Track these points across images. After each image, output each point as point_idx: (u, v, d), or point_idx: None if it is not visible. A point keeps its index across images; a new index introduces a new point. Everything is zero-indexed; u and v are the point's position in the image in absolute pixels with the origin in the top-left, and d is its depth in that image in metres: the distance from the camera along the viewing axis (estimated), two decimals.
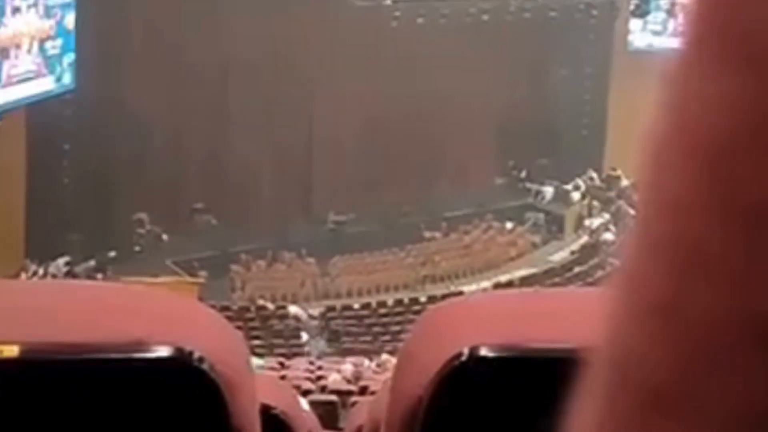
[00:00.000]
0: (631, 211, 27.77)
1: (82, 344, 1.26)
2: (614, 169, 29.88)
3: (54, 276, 22.66)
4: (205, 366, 1.29)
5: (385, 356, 16.99)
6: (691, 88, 0.39)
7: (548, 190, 29.30)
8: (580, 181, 29.73)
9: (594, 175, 29.97)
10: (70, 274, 22.75)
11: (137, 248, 24.68)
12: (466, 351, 1.35)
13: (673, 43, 0.41)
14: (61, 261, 23.27)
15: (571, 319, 1.44)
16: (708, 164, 0.38)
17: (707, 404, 0.37)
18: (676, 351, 0.38)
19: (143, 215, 24.99)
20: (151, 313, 1.38)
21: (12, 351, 1.23)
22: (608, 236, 26.82)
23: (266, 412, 1.86)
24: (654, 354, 0.38)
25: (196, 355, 1.29)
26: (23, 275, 21.83)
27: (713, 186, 0.38)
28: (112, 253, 23.99)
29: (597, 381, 0.41)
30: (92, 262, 23.79)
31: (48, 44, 22.39)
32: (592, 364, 0.42)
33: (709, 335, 0.37)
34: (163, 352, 1.28)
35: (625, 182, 29.17)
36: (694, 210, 0.38)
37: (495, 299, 1.84)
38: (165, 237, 25.06)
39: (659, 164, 0.41)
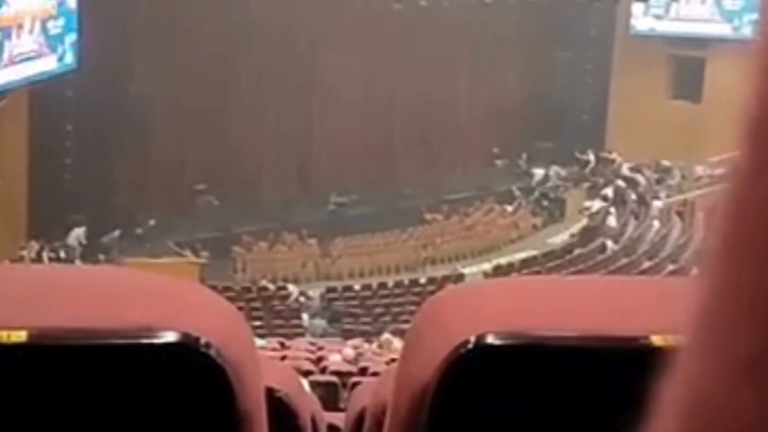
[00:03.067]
0: (627, 192, 27.80)
1: (89, 330, 1.26)
2: (610, 152, 29.89)
3: (69, 247, 22.89)
4: (211, 351, 1.29)
5: (386, 335, 17.01)
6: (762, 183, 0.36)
7: (550, 173, 29.29)
8: (581, 164, 29.74)
9: (594, 157, 29.96)
10: (89, 246, 22.95)
11: (139, 229, 24.69)
12: (473, 339, 1.35)
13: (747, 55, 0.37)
14: (80, 231, 23.39)
15: (579, 306, 1.44)
16: None
17: None
18: (764, 415, 0.35)
19: (146, 196, 25.00)
20: (157, 299, 1.38)
21: (20, 336, 1.23)
22: (608, 219, 26.83)
23: (270, 395, 1.86)
24: (744, 413, 0.35)
25: (203, 340, 1.29)
26: (26, 255, 21.88)
27: None
28: (115, 234, 24.01)
29: (665, 421, 0.39)
30: (117, 233, 23.96)
31: (50, 24, 22.37)
32: (660, 405, 0.39)
33: None
34: (169, 337, 1.28)
35: (620, 165, 29.21)
36: None
37: (502, 286, 1.84)
38: (167, 217, 25.05)
39: (746, 204, 0.37)
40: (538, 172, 29.22)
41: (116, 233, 23.93)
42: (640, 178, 28.66)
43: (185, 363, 1.29)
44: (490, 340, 1.35)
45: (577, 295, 1.51)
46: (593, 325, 1.34)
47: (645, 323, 1.23)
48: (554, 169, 29.25)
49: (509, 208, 28.28)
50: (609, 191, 28.23)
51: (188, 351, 1.28)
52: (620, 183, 28.58)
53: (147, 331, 1.27)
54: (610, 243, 25.40)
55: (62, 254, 22.72)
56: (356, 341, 17.75)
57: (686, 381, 0.38)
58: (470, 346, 1.35)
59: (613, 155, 29.78)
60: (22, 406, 1.28)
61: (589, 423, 1.32)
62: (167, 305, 1.37)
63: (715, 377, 0.37)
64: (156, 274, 1.51)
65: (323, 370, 12.74)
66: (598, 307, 1.42)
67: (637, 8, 30.10)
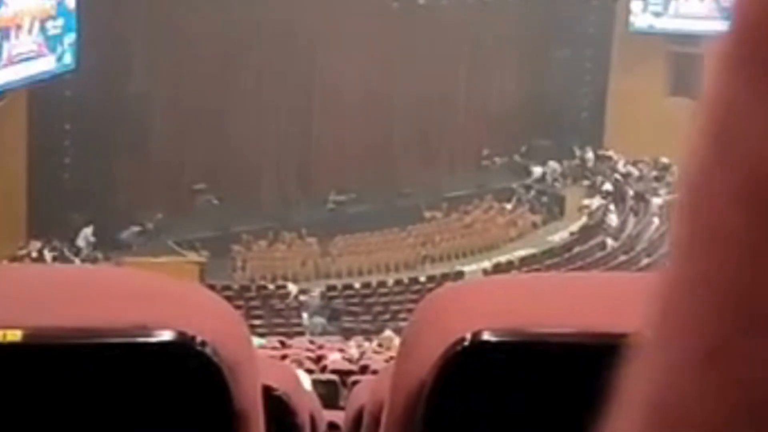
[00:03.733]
0: (626, 189, 27.82)
1: (85, 328, 1.26)
2: (608, 150, 29.91)
3: (78, 248, 22.98)
4: (207, 350, 1.29)
5: (387, 332, 17.02)
6: (739, 115, 0.36)
7: (548, 171, 29.29)
8: (580, 161, 29.75)
9: (592, 155, 29.97)
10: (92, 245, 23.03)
11: (138, 228, 24.68)
12: (469, 336, 1.35)
13: (711, 51, 0.38)
14: (88, 231, 23.45)
15: (576, 303, 1.44)
16: (761, 206, 0.35)
17: None
18: (727, 403, 0.35)
19: (145, 195, 24.99)
20: (153, 298, 1.38)
21: (15, 335, 1.23)
22: (608, 217, 26.86)
23: (268, 393, 1.86)
24: (702, 404, 0.35)
25: (199, 339, 1.29)
26: (26, 255, 21.89)
27: (765, 230, 0.35)
28: (134, 230, 24.08)
29: (628, 420, 0.39)
30: (135, 228, 24.04)
31: (49, 24, 22.36)
32: (620, 397, 0.39)
33: (762, 389, 0.35)
34: (165, 336, 1.28)
35: (619, 162, 29.23)
36: (745, 255, 0.35)
37: (499, 283, 1.84)
38: (166, 217, 25.06)
39: (706, 198, 0.37)
40: (536, 170, 29.22)
41: (135, 229, 24.08)
42: (638, 175, 28.67)
43: (181, 362, 1.29)
44: (487, 337, 1.34)
45: (574, 291, 1.51)
46: (591, 322, 1.34)
47: (643, 320, 1.22)
48: (552, 167, 29.25)
49: (508, 206, 28.29)
50: (608, 188, 28.25)
51: (184, 350, 1.28)
52: (619, 180, 28.60)
53: (142, 330, 1.27)
54: (609, 240, 25.42)
55: (66, 253, 22.74)
56: (356, 339, 17.77)
57: (649, 373, 0.38)
58: (467, 343, 1.35)
59: (612, 152, 29.79)
60: (17, 405, 1.27)
61: (586, 421, 1.32)
62: (163, 304, 1.37)
63: (678, 368, 0.37)
64: (151, 273, 1.51)
65: (323, 369, 12.75)
66: (596, 304, 1.42)
67: (635, 5, 30.11)
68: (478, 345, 1.35)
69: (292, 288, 22.92)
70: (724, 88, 0.37)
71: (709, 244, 0.37)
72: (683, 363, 0.37)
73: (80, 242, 23.44)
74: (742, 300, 0.35)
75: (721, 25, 0.37)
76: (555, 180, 29.18)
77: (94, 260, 22.43)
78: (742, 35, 0.37)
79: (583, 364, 1.31)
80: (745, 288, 0.35)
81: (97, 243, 23.47)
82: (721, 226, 0.36)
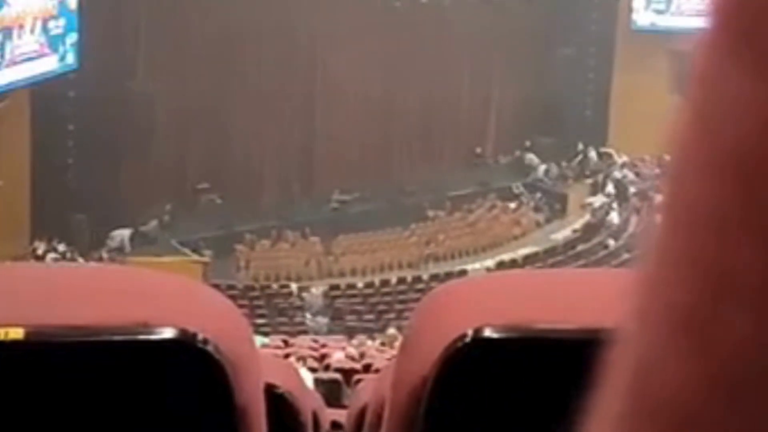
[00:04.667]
0: (629, 187, 27.81)
1: (86, 326, 1.26)
2: (611, 148, 29.88)
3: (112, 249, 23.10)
4: (209, 347, 1.29)
5: (391, 330, 17.04)
6: (718, 91, 0.37)
7: (552, 169, 29.28)
8: (583, 159, 29.74)
9: (595, 153, 29.96)
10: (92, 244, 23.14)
11: (142, 228, 24.69)
12: (470, 332, 1.35)
13: (694, 31, 0.38)
14: (126, 232, 23.57)
15: (576, 299, 1.44)
16: (742, 179, 0.35)
17: (739, 430, 0.35)
18: (707, 375, 0.36)
19: (148, 195, 25.00)
20: (155, 295, 1.38)
21: (17, 333, 1.23)
22: (610, 215, 26.85)
23: (270, 391, 1.86)
24: (683, 376, 0.36)
25: (201, 336, 1.29)
26: (29, 255, 21.90)
27: (747, 204, 0.35)
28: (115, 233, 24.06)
29: (612, 395, 0.39)
30: (154, 222, 24.09)
31: (51, 24, 22.37)
32: (605, 374, 0.40)
33: (741, 361, 0.35)
34: (167, 333, 1.28)
35: (622, 160, 29.21)
36: (726, 228, 0.36)
37: (499, 280, 1.84)
38: (170, 217, 25.06)
39: (687, 173, 0.38)
40: (540, 168, 29.21)
41: (154, 222, 24.27)
42: (642, 173, 28.66)
43: (183, 359, 1.29)
44: (488, 333, 1.35)
45: (574, 288, 1.51)
46: (591, 318, 1.34)
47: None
48: (554, 165, 29.25)
49: (512, 205, 28.27)
50: (611, 187, 28.23)
51: (186, 347, 1.28)
52: (622, 178, 28.58)
53: (144, 327, 1.27)
54: (612, 239, 25.41)
55: (66, 253, 22.76)
56: (359, 338, 17.78)
57: (630, 349, 0.39)
58: (468, 339, 1.35)
59: (615, 150, 29.77)
60: (19, 403, 1.28)
61: (586, 416, 1.32)
62: (165, 302, 1.37)
63: (657, 340, 0.37)
64: (153, 271, 1.51)
65: (326, 368, 12.76)
66: (596, 300, 1.42)
67: (637, 3, 30.08)
68: (479, 341, 1.35)
69: (296, 287, 22.93)
70: (707, 65, 0.37)
71: (691, 218, 0.37)
72: (662, 335, 0.37)
73: (114, 244, 23.57)
74: (721, 272, 0.36)
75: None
76: (556, 177, 29.18)
77: (99, 259, 22.44)
78: (723, 13, 0.37)
79: (584, 360, 1.32)
80: (724, 260, 0.36)
81: (95, 241, 23.51)
82: (703, 200, 0.36)
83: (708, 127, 0.37)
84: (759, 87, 0.35)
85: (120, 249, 23.60)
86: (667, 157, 0.39)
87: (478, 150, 29.76)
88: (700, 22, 0.37)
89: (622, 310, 0.40)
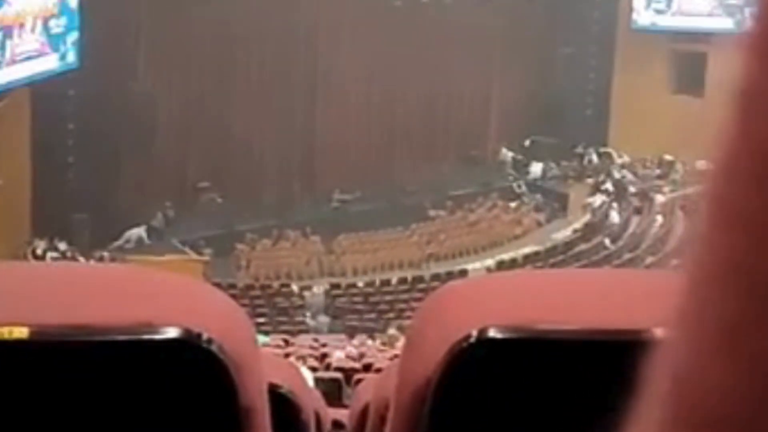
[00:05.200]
0: (630, 187, 27.80)
1: (91, 326, 1.26)
2: (612, 147, 29.88)
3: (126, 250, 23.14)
4: (213, 347, 1.29)
5: (392, 331, 17.04)
6: (759, 99, 0.36)
7: (550, 168, 29.28)
8: (583, 159, 29.74)
9: (596, 152, 29.95)
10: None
11: (143, 227, 24.69)
12: (474, 332, 1.35)
13: (737, 35, 0.38)
14: (140, 230, 23.89)
15: (580, 300, 1.44)
16: None
17: None
18: (745, 379, 0.35)
19: (149, 194, 25.01)
20: (158, 295, 1.38)
21: (22, 332, 1.23)
22: (611, 215, 26.84)
23: (273, 390, 1.86)
24: (721, 380, 0.36)
25: (205, 336, 1.29)
26: (30, 254, 21.90)
27: None
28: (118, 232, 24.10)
29: (652, 401, 0.39)
30: (160, 216, 23.83)
31: (52, 23, 22.37)
32: (646, 380, 0.40)
33: None
34: (171, 333, 1.28)
35: (622, 160, 29.21)
36: (766, 234, 0.35)
37: (503, 280, 1.84)
38: (170, 216, 25.07)
39: (729, 181, 0.37)
40: (540, 168, 29.21)
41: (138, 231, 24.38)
42: (642, 173, 28.65)
43: (187, 359, 1.29)
44: (492, 333, 1.35)
45: (578, 288, 1.51)
46: (595, 318, 1.34)
47: (647, 316, 1.23)
48: (554, 164, 29.25)
49: (512, 204, 28.27)
50: (611, 186, 28.22)
51: (190, 347, 1.28)
52: (623, 178, 28.57)
53: (148, 327, 1.27)
54: (612, 239, 25.40)
55: (66, 252, 22.77)
56: (360, 338, 17.78)
57: (671, 359, 0.38)
58: (472, 339, 1.35)
59: (616, 150, 29.76)
60: (24, 402, 1.28)
61: (591, 416, 1.32)
62: (168, 301, 1.37)
63: (698, 350, 0.37)
64: (157, 271, 1.51)
65: (327, 367, 12.76)
66: (600, 300, 1.42)
67: (638, 3, 30.08)
68: (483, 341, 1.35)
69: (296, 286, 22.92)
70: (747, 73, 0.37)
71: (730, 227, 0.37)
72: (703, 345, 0.37)
73: (129, 245, 23.61)
74: (762, 278, 0.35)
75: (723, 22, 0.37)
76: (557, 178, 29.18)
77: (100, 259, 22.44)
78: (764, 22, 0.37)
79: (588, 360, 1.32)
80: (765, 266, 0.35)
81: (96, 241, 23.54)
82: (743, 208, 0.36)
83: (756, 134, 0.36)
84: None
85: (140, 243, 23.79)
86: (708, 164, 0.38)
87: (489, 150, 29.77)
88: (728, 25, 0.37)
89: (664, 314, 0.39)
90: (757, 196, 0.36)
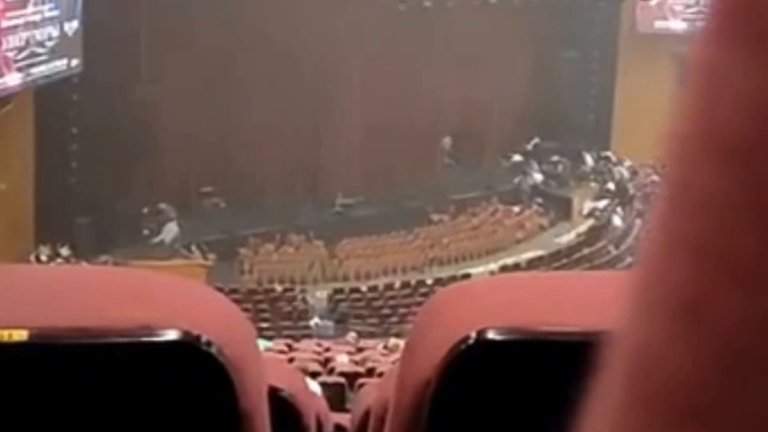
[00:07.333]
0: (633, 191, 27.80)
1: (90, 328, 1.26)
2: (615, 151, 29.88)
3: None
4: (213, 350, 1.29)
5: (393, 340, 17.02)
6: (719, 78, 0.37)
7: (554, 172, 29.27)
8: (586, 163, 29.74)
9: (599, 156, 29.95)
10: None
11: (146, 231, 24.70)
12: (473, 334, 1.35)
13: (697, 25, 0.40)
14: (172, 225, 24.09)
15: (580, 302, 1.44)
16: (741, 163, 0.36)
17: (739, 410, 0.35)
18: (706, 355, 0.36)
19: (152, 198, 25.02)
20: (158, 297, 1.39)
21: (21, 335, 1.24)
22: (614, 219, 26.84)
23: (274, 394, 1.86)
24: (682, 357, 0.36)
25: (204, 338, 1.29)
26: (33, 258, 21.92)
27: (746, 187, 0.36)
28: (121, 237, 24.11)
29: (612, 382, 0.39)
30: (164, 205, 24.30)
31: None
32: (606, 363, 0.40)
33: (741, 341, 0.35)
34: (170, 336, 1.28)
35: (626, 164, 29.20)
36: (726, 211, 0.36)
37: (503, 282, 1.84)
38: (172, 223, 25.06)
39: (686, 159, 0.38)
40: (543, 171, 29.20)
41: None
42: (645, 177, 28.64)
43: (186, 361, 1.29)
44: (492, 335, 1.35)
45: (578, 290, 1.51)
46: (595, 320, 1.34)
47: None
48: (557, 168, 29.25)
49: (515, 209, 28.26)
50: (615, 190, 28.21)
51: (189, 349, 1.28)
52: (626, 182, 28.56)
53: (148, 329, 1.27)
54: (616, 243, 25.39)
55: (67, 257, 22.78)
56: (363, 342, 17.76)
57: (631, 337, 0.39)
58: (471, 341, 1.35)
59: (619, 154, 29.76)
60: (23, 405, 1.28)
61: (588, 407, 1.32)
62: (168, 303, 1.37)
63: (658, 325, 0.37)
64: (157, 273, 1.51)
65: (330, 371, 12.76)
66: (601, 302, 1.42)
67: (641, 6, 30.09)
68: (482, 343, 1.35)
69: (299, 291, 22.92)
70: (705, 54, 0.38)
71: (688, 203, 0.37)
72: (661, 319, 0.37)
73: (170, 237, 23.94)
74: (720, 254, 0.36)
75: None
76: (562, 182, 29.17)
77: (104, 262, 22.44)
78: (721, 5, 0.38)
79: (588, 363, 1.31)
80: (724, 242, 0.36)
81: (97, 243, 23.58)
82: (701, 184, 0.37)
83: (709, 113, 0.37)
84: (760, 74, 0.36)
85: (175, 240, 24.03)
86: (667, 146, 0.39)
87: (492, 154, 29.77)
88: (702, 16, 0.39)
89: (623, 300, 0.40)
90: (716, 173, 0.36)
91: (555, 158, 29.44)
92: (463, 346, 1.35)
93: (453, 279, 22.26)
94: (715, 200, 0.36)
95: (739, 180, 0.36)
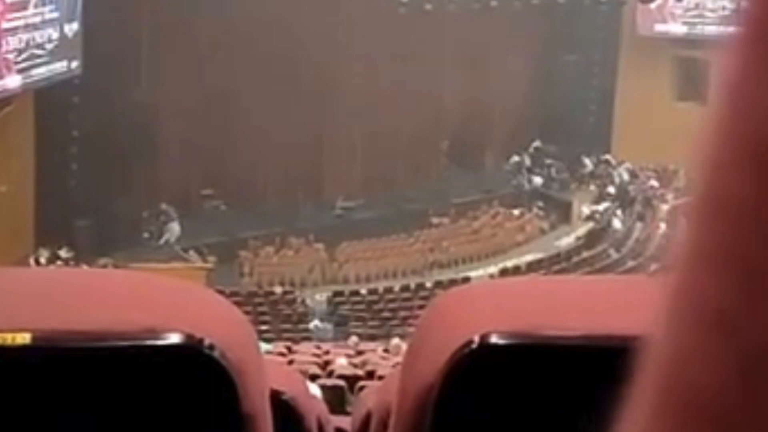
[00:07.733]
0: (633, 194, 27.80)
1: (93, 331, 1.26)
2: (616, 154, 29.87)
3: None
4: (215, 353, 1.29)
5: (395, 341, 17.01)
6: (751, 86, 0.37)
7: (554, 175, 29.28)
8: (587, 166, 29.74)
9: (600, 160, 29.96)
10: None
11: (146, 234, 24.71)
12: (476, 338, 1.35)
13: (726, 35, 0.39)
14: (174, 225, 24.36)
15: (582, 306, 1.44)
16: None
17: (764, 419, 0.35)
18: (734, 368, 0.36)
19: (152, 201, 25.03)
20: (161, 301, 1.38)
21: (24, 338, 1.23)
22: (614, 222, 26.84)
23: (275, 397, 1.86)
24: (706, 365, 0.36)
25: (207, 342, 1.29)
26: (33, 261, 21.91)
27: None
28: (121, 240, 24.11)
29: (643, 390, 0.39)
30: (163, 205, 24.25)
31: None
32: (636, 378, 0.40)
33: (766, 350, 0.35)
34: (173, 339, 1.28)
35: (626, 167, 29.21)
36: (755, 221, 0.36)
37: (506, 286, 1.84)
38: (174, 223, 25.08)
39: (716, 168, 0.38)
40: (543, 175, 29.21)
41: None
42: (645, 180, 28.65)
43: (189, 364, 1.29)
44: (494, 339, 1.34)
45: (581, 294, 1.51)
46: (598, 324, 1.34)
47: (650, 322, 1.23)
48: (558, 171, 29.25)
49: (516, 212, 28.27)
50: (615, 193, 28.22)
51: (192, 352, 1.28)
52: (626, 185, 28.57)
53: (150, 332, 1.27)
54: (616, 246, 25.40)
55: (71, 261, 22.77)
56: (363, 345, 17.75)
57: (661, 348, 0.39)
58: (474, 345, 1.35)
59: (619, 157, 29.76)
60: (26, 408, 1.28)
61: (593, 423, 1.32)
62: (170, 307, 1.37)
63: (688, 337, 0.37)
64: (160, 276, 1.51)
65: (330, 374, 12.75)
66: (603, 306, 1.42)
67: (642, 9, 30.09)
68: (485, 347, 1.35)
69: (299, 294, 22.92)
70: (733, 66, 0.38)
71: (721, 216, 0.37)
72: (694, 331, 0.37)
73: (171, 238, 23.89)
74: (753, 267, 0.36)
75: (729, 29, 0.38)
76: (560, 185, 29.18)
77: (103, 265, 22.43)
78: (750, 17, 0.37)
79: (591, 366, 1.31)
80: (754, 253, 0.36)
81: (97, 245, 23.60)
82: (735, 196, 0.37)
83: (741, 122, 0.37)
84: None
85: (179, 239, 24.18)
86: (696, 155, 0.39)
87: (492, 157, 29.78)
88: (725, 28, 0.39)
89: (654, 309, 0.40)
90: (746, 184, 0.36)
91: (555, 161, 29.45)
92: (465, 351, 1.35)
93: (453, 282, 22.26)
94: (745, 210, 0.36)
95: (767, 190, 0.36)
